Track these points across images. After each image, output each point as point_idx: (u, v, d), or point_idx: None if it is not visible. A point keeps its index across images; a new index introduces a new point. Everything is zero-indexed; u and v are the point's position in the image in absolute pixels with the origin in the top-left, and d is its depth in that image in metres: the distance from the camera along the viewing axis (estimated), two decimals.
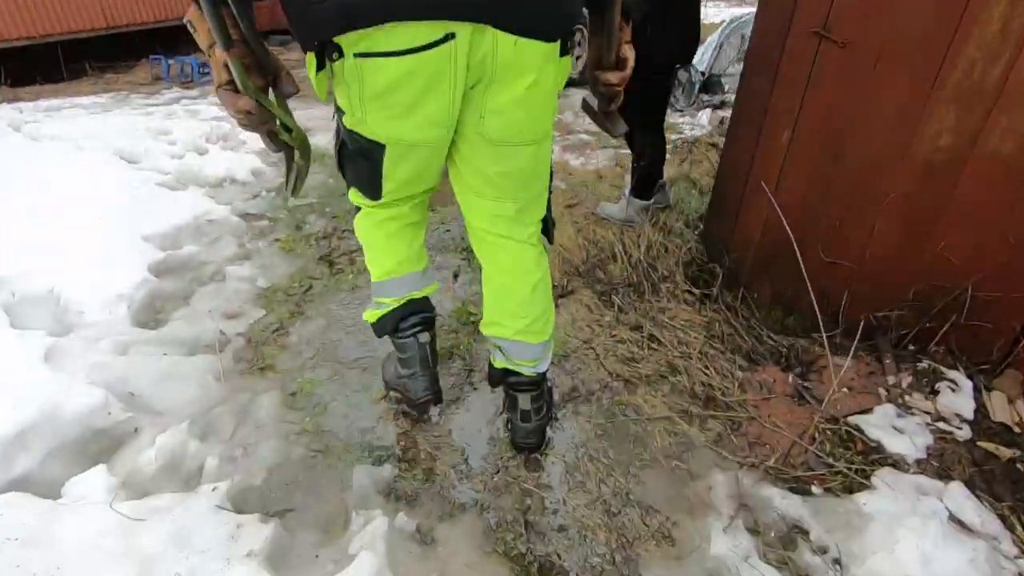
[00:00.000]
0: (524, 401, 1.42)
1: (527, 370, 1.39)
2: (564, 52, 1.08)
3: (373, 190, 1.28)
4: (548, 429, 1.52)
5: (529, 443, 1.45)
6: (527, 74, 1.04)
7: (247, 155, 3.38)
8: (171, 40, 6.91)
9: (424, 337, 1.45)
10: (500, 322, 1.38)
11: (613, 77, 1.16)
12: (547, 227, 1.37)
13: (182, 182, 2.99)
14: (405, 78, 1.00)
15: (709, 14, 9.17)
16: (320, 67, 1.02)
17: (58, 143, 3.23)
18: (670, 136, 3.78)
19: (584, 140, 3.87)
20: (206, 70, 5.91)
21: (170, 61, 5.81)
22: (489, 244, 1.35)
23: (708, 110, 4.27)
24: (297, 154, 1.16)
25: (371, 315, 1.48)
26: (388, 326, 1.44)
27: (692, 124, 4.19)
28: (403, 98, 1.04)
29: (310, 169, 1.21)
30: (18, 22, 5.30)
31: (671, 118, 4.33)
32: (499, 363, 1.42)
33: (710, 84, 4.64)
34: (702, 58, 5.09)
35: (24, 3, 5.32)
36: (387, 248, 1.40)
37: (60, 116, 4.06)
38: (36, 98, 5.10)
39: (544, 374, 1.44)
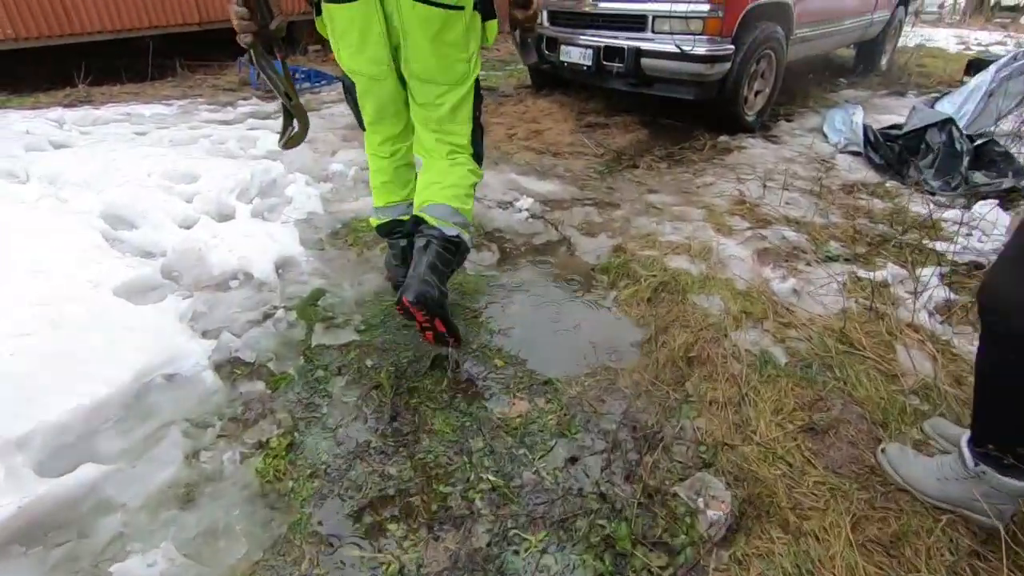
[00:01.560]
0: (420, 242, 1.56)
1: (434, 222, 1.57)
2: (487, 17, 1.52)
3: (359, 119, 1.74)
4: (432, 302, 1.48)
5: (409, 287, 1.45)
6: (428, 29, 1.41)
7: (283, 228, 2.31)
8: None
9: (403, 242, 1.87)
10: (427, 188, 1.63)
11: (518, 13, 1.63)
12: (476, 151, 1.69)
13: (169, 276, 1.95)
14: (349, 22, 1.45)
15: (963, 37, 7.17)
16: (318, 14, 1.54)
17: (43, 189, 2.34)
18: (904, 258, 2.26)
19: (790, 241, 2.45)
20: (299, 77, 5.09)
21: None
22: (427, 154, 1.67)
23: (993, 203, 2.66)
24: (296, 121, 1.61)
25: (374, 221, 1.89)
26: (383, 232, 1.89)
27: (962, 228, 2.61)
28: (353, 39, 1.48)
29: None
30: (102, 15, 4.72)
31: (910, 202, 2.78)
32: (416, 213, 1.63)
33: (987, 155, 3.00)
34: (960, 110, 3.43)
35: None
36: (382, 190, 1.82)
37: (93, 136, 3.27)
38: (107, 100, 4.46)
39: (448, 236, 1.56)
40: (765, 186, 3.04)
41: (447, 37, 1.44)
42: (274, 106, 4.36)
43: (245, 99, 4.61)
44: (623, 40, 3.69)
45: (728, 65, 3.56)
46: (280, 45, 1.49)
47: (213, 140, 3.19)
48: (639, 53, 3.60)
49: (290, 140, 1.62)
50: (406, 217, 1.79)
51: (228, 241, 2.13)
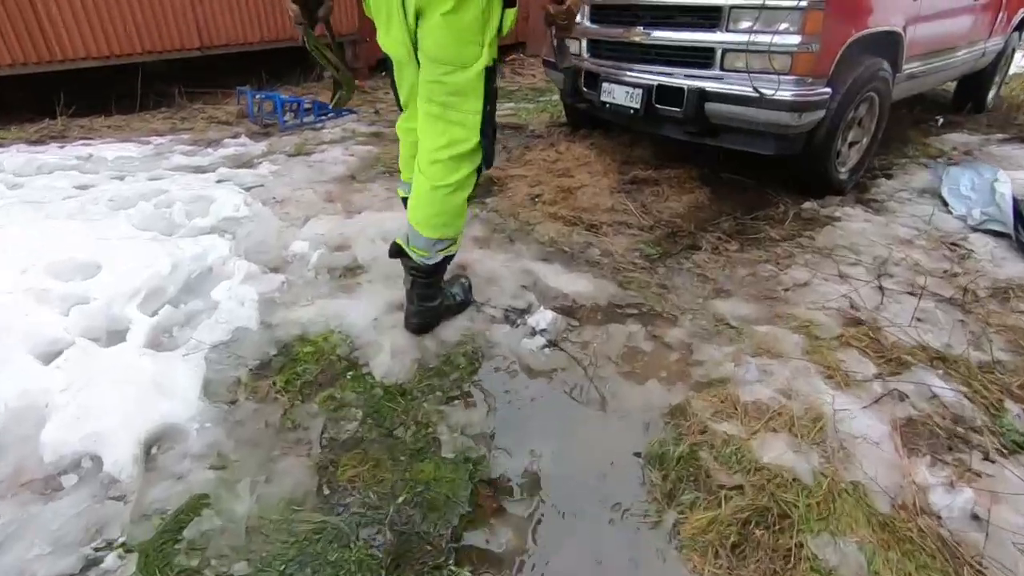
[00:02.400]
0: (408, 282, 1.74)
1: (415, 256, 1.67)
2: (507, 4, 1.46)
3: (397, 99, 1.78)
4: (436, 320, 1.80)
5: (410, 324, 1.78)
6: (442, 6, 1.39)
7: (184, 363, 1.59)
8: (280, 63, 5.68)
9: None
10: (411, 209, 1.66)
11: (551, 7, 1.53)
12: (485, 154, 1.60)
13: None
14: (378, 1, 1.51)
15: None
16: None
17: None
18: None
19: (943, 402, 1.59)
20: (305, 107, 4.47)
21: (257, 96, 4.46)
22: (423, 139, 1.63)
23: None
24: (344, 87, 1.92)
25: (401, 193, 1.96)
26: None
27: None
28: (382, 19, 1.53)
29: None
30: (88, 40, 4.22)
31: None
32: (399, 241, 1.72)
33: None
34: None
35: (99, 17, 4.23)
36: (402, 157, 1.87)
37: (23, 191, 2.67)
38: (82, 136, 3.93)
39: (430, 267, 1.69)
40: (882, 288, 2.18)
41: (462, 18, 1.42)
42: (261, 148, 3.73)
43: (234, 137, 4.00)
44: (682, 78, 2.90)
45: (821, 113, 2.73)
46: (328, 28, 1.76)
47: (158, 203, 2.53)
48: (702, 96, 2.80)
49: (338, 103, 1.93)
50: None
51: (88, 393, 1.42)
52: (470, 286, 2.00)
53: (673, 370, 1.71)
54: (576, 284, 2.15)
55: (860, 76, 2.81)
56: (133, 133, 4.12)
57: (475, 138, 1.54)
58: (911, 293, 2.15)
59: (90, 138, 3.91)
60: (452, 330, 1.84)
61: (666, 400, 1.59)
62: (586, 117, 4.06)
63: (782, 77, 2.60)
